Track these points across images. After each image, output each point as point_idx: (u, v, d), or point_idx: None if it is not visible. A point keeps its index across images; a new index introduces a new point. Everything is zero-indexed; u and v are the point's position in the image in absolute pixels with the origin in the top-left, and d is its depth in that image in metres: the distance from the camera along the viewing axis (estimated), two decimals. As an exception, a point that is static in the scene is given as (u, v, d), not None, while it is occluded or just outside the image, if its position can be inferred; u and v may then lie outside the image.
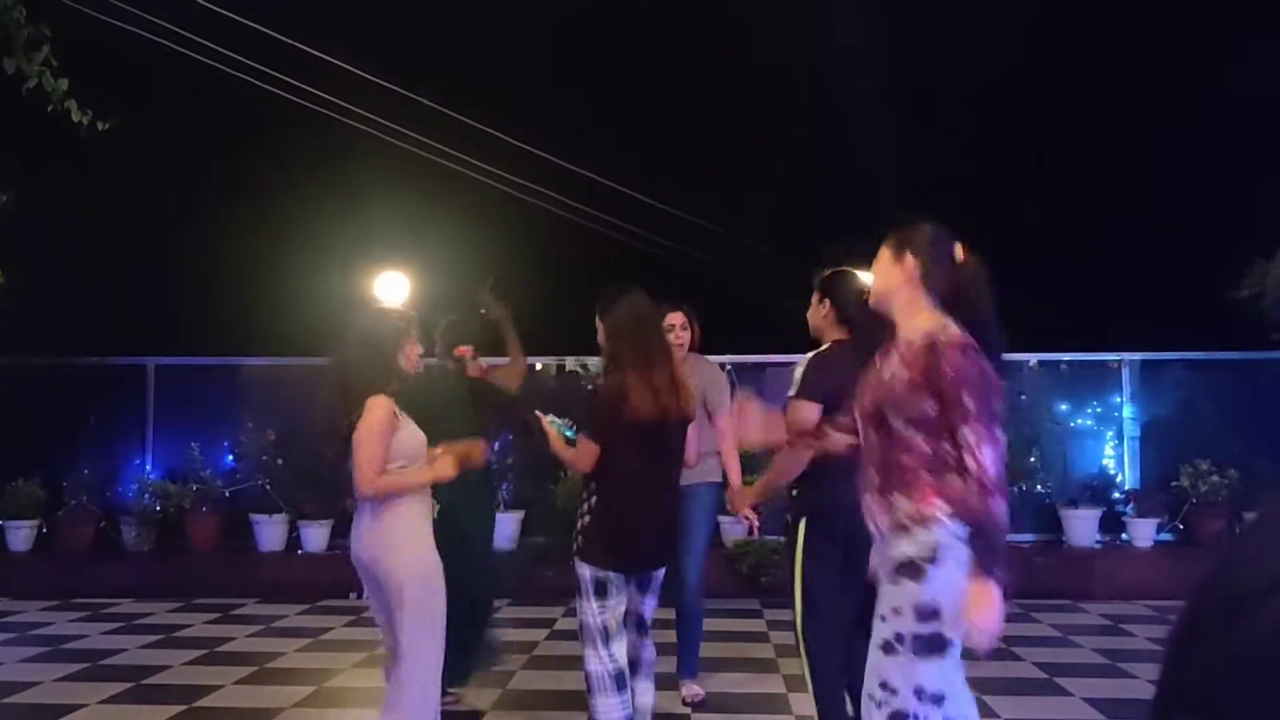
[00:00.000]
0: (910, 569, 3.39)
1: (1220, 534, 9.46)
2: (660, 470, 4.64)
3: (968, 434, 3.28)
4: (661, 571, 4.75)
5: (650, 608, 4.79)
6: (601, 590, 4.56)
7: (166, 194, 15.09)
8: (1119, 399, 10.20)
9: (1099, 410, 10.19)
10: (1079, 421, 10.13)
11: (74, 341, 10.91)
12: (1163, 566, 9.25)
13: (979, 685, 6.44)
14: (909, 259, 3.56)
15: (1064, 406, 10.06)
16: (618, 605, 4.61)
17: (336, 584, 9.15)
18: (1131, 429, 10.11)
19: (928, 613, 3.37)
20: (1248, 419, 9.43)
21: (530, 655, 7.22)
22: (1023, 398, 9.81)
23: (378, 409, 4.33)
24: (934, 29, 15.64)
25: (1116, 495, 9.89)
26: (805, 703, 4.73)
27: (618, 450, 4.53)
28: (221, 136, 15.17)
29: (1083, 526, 9.57)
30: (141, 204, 14.69)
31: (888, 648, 3.42)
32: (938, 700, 3.38)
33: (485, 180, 11.85)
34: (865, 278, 4.42)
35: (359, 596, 9.02)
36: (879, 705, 3.43)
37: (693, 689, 6.11)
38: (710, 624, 6.51)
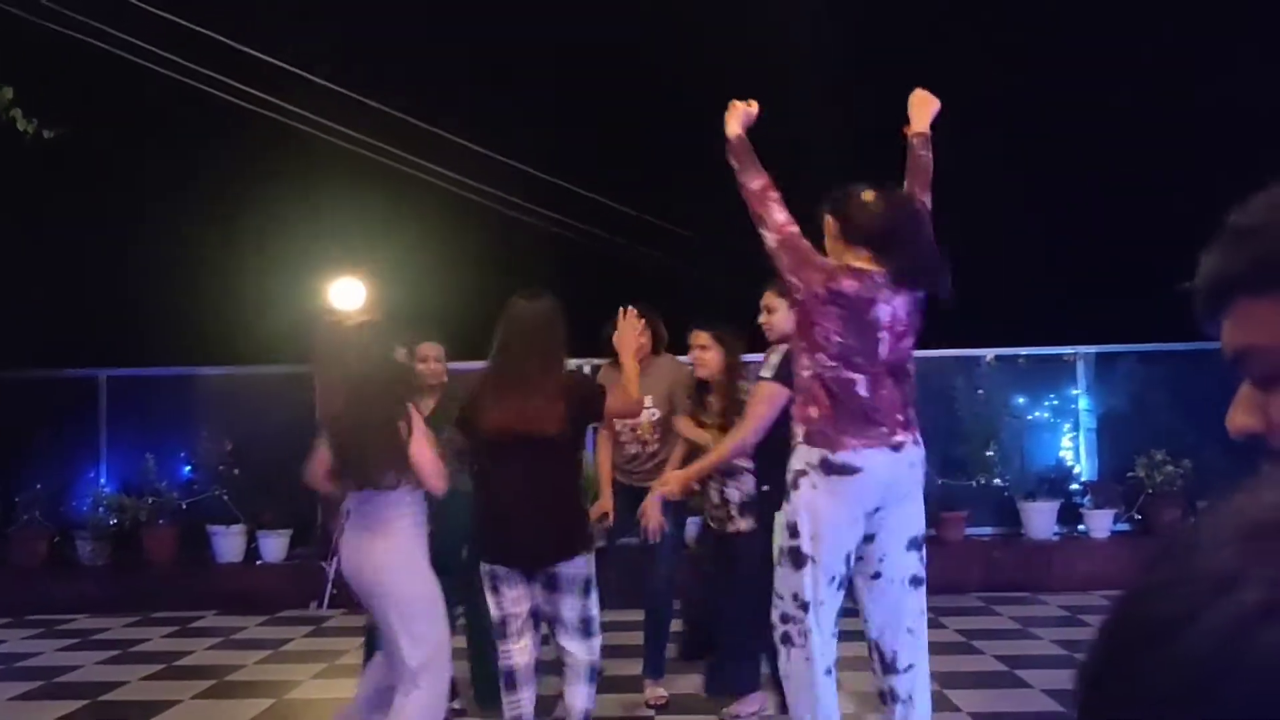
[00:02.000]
0: (788, 491, 3.92)
1: (1176, 524, 9.57)
2: (529, 474, 4.56)
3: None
4: (575, 571, 4.61)
5: (570, 608, 4.63)
6: (493, 584, 4.65)
7: (118, 203, 14.90)
8: (1075, 392, 10.29)
9: (1055, 403, 10.28)
10: (1036, 415, 10.21)
11: (24, 354, 10.74)
12: (1120, 557, 9.34)
13: (938, 679, 6.48)
14: (828, 219, 4.04)
15: (1021, 400, 10.13)
16: (514, 603, 4.64)
17: (297, 594, 9.05)
18: (1087, 421, 10.21)
19: (790, 529, 3.89)
20: (1201, 409, 9.51)
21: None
22: (980, 393, 9.88)
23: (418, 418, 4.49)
24: (885, 25, 15.73)
25: (1074, 487, 9.97)
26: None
27: (483, 452, 4.71)
28: (173, 144, 15.01)
29: (1040, 519, 9.64)
30: (92, 213, 14.49)
31: (778, 559, 4.00)
32: (804, 606, 3.88)
33: (441, 185, 11.79)
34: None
35: (320, 606, 8.94)
36: (774, 608, 4.02)
37: (656, 691, 6.10)
38: (678, 625, 6.49)
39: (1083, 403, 10.23)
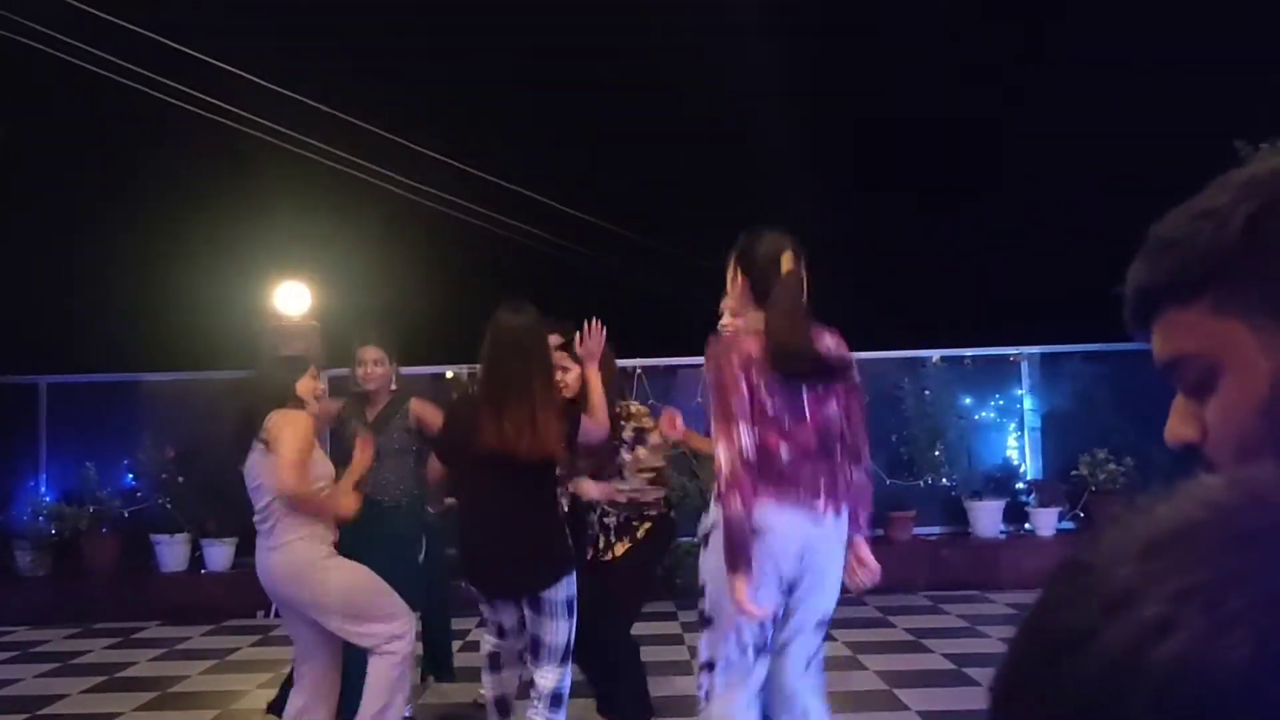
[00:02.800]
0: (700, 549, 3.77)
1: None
2: (522, 496, 4.49)
3: (713, 431, 3.58)
4: (563, 593, 4.56)
5: (552, 631, 4.57)
6: (494, 619, 4.73)
7: (58, 206, 14.65)
8: (1019, 392, 10.41)
9: (1000, 403, 10.39)
10: (981, 415, 10.32)
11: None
12: (1066, 554, 9.43)
13: (888, 678, 6.53)
14: (740, 272, 3.79)
15: (967, 401, 10.23)
16: (514, 634, 4.69)
17: (242, 603, 8.94)
18: (1032, 421, 10.33)
19: (701, 589, 3.74)
20: (1143, 408, 9.67)
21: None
22: (926, 393, 9.97)
23: (299, 423, 4.29)
24: (840, 33, 15.84)
25: (1019, 486, 10.09)
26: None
27: (466, 475, 4.62)
28: (115, 147, 14.78)
29: (987, 518, 9.74)
30: (32, 217, 14.24)
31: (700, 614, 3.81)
32: (709, 666, 3.70)
33: (387, 187, 11.71)
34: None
35: (266, 615, 8.83)
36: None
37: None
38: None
39: (1027, 402, 10.35)
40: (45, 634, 8.69)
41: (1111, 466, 9.58)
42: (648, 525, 5.28)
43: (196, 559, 9.64)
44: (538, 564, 4.55)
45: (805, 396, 3.69)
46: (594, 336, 4.89)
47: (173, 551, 9.53)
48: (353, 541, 4.80)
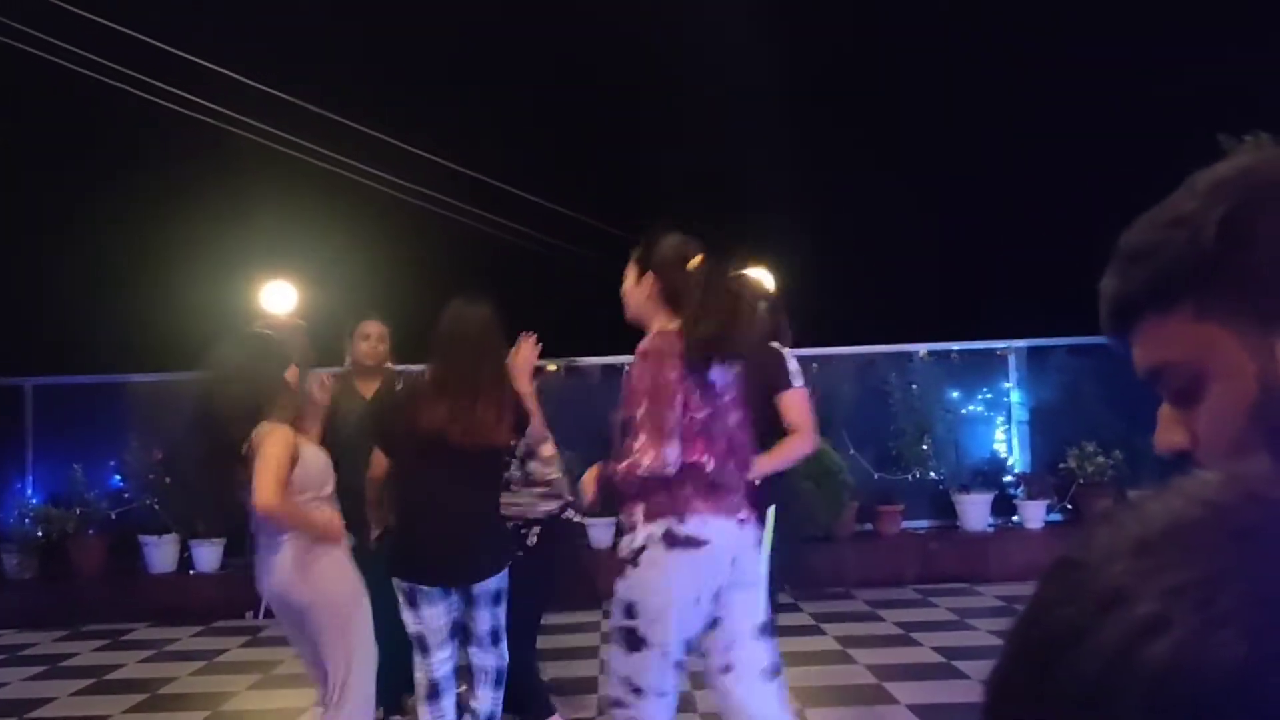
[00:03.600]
0: (624, 566, 3.58)
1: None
2: (462, 484, 4.46)
3: (639, 439, 3.48)
4: (494, 585, 4.56)
5: (483, 620, 4.59)
6: (411, 601, 4.57)
7: (42, 206, 14.58)
8: (1007, 385, 10.44)
9: (988, 397, 10.41)
10: (970, 409, 10.34)
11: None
12: (1054, 547, 9.24)
13: (878, 672, 6.54)
14: (648, 276, 3.72)
15: (955, 394, 10.25)
16: (435, 619, 4.57)
17: (231, 604, 8.90)
18: (1020, 414, 10.36)
19: (626, 608, 3.54)
20: (1130, 401, 9.69)
21: None
22: (914, 387, 9.99)
23: (279, 437, 4.17)
24: (822, 28, 15.85)
25: (1007, 479, 10.11)
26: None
27: (406, 461, 4.59)
28: (99, 146, 14.72)
29: (975, 511, 9.77)
30: (15, 217, 14.17)
31: (612, 635, 3.69)
32: (637, 691, 3.54)
33: (372, 185, 11.68)
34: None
35: (256, 616, 8.80)
36: (608, 686, 3.80)
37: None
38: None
39: (1015, 396, 10.38)
40: (33, 637, 8.65)
41: (1100, 460, 9.62)
42: (537, 529, 5.20)
43: (185, 560, 9.60)
44: (478, 552, 4.54)
45: (723, 400, 3.67)
46: (526, 352, 4.92)
47: (161, 553, 9.50)
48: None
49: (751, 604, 3.68)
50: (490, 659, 4.65)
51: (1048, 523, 9.81)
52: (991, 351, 10.56)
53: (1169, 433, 0.93)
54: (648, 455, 3.44)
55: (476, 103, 16.57)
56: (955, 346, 10.49)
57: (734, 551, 3.58)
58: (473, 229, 13.02)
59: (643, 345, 3.65)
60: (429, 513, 4.50)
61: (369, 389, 5.64)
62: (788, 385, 4.60)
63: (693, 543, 3.48)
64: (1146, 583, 0.53)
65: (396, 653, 5.12)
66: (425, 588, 4.53)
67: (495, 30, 16.05)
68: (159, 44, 9.79)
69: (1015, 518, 9.92)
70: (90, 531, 9.52)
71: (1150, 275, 0.89)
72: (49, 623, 8.97)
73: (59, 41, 9.19)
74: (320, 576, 4.23)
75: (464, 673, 4.80)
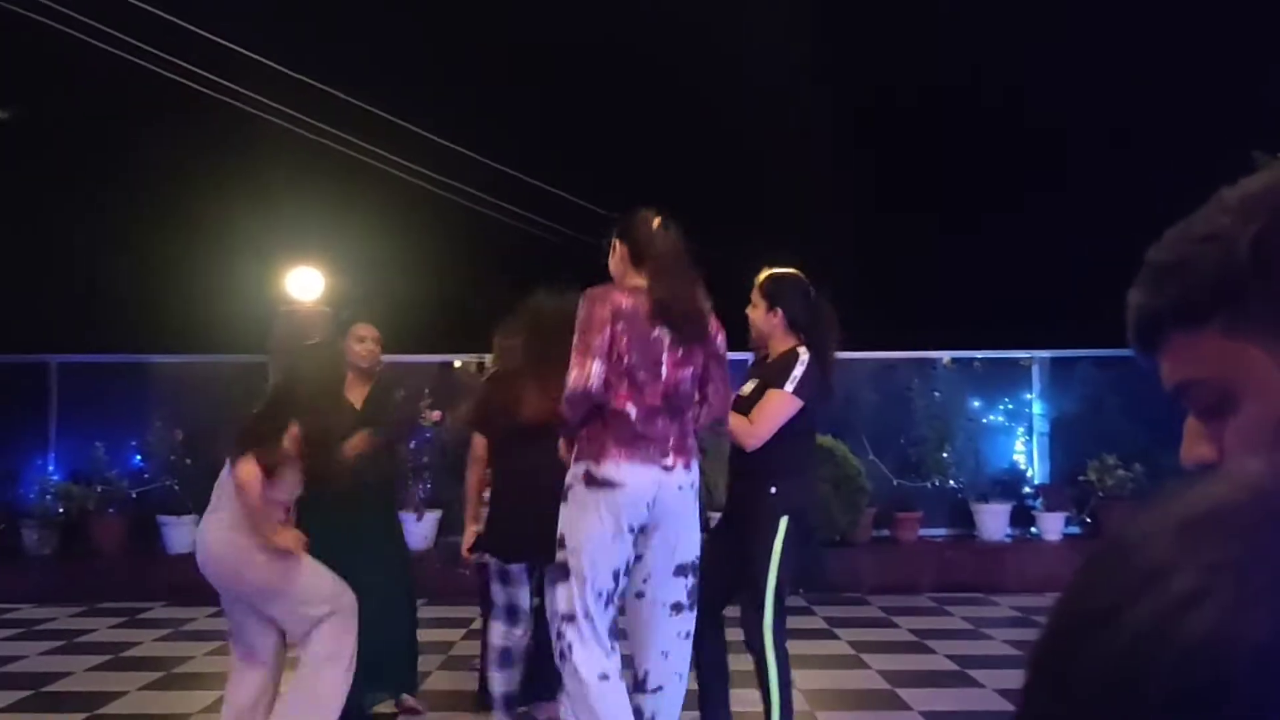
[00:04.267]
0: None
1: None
2: (549, 469, 4.52)
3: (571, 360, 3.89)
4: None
5: (525, 597, 5.03)
6: (504, 578, 4.96)
7: (71, 186, 14.68)
8: (1029, 396, 10.40)
9: (1010, 407, 10.37)
10: (990, 418, 10.30)
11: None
12: (1071, 559, 9.43)
13: (891, 678, 6.53)
14: (616, 243, 4.16)
15: (976, 403, 10.22)
16: (524, 597, 5.00)
17: (247, 586, 8.94)
18: (1041, 425, 10.31)
19: (559, 540, 3.98)
20: (1153, 414, 9.64)
21: (447, 655, 7.14)
22: (936, 395, 9.96)
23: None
24: (858, 31, 15.81)
25: (1026, 490, 10.08)
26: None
27: (506, 446, 4.88)
28: (128, 127, 14.81)
29: (993, 521, 9.73)
30: (45, 196, 14.27)
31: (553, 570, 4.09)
32: (569, 618, 3.93)
33: (399, 174, 11.71)
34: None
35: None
36: (551, 622, 4.12)
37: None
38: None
39: (1037, 406, 10.33)
40: (51, 612, 8.72)
41: (1120, 472, 9.56)
42: None
43: (203, 541, 9.65)
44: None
45: (665, 357, 3.97)
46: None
47: (179, 533, 9.55)
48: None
49: (675, 544, 4.00)
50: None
51: (1066, 535, 9.77)
52: (1014, 361, 10.52)
53: (1195, 446, 0.92)
54: (573, 374, 3.83)
55: (506, 94, 16.60)
56: (978, 354, 10.45)
57: (651, 494, 3.91)
58: (498, 221, 13.04)
59: (590, 289, 4.05)
60: (530, 494, 4.69)
61: (359, 389, 5.56)
62: (779, 385, 4.50)
63: (608, 484, 3.86)
64: (1187, 558, 0.54)
65: (393, 650, 5.33)
66: (516, 565, 4.86)
67: (528, 20, 16.07)
68: (191, 27, 9.84)
69: (1033, 529, 9.89)
70: (110, 510, 9.59)
71: (1180, 290, 0.89)
72: (67, 598, 9.04)
73: (92, 21, 9.26)
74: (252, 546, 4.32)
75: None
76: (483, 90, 16.47)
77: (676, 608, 4.03)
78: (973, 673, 6.64)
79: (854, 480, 9.12)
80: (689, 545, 4.06)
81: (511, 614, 4.96)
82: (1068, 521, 9.79)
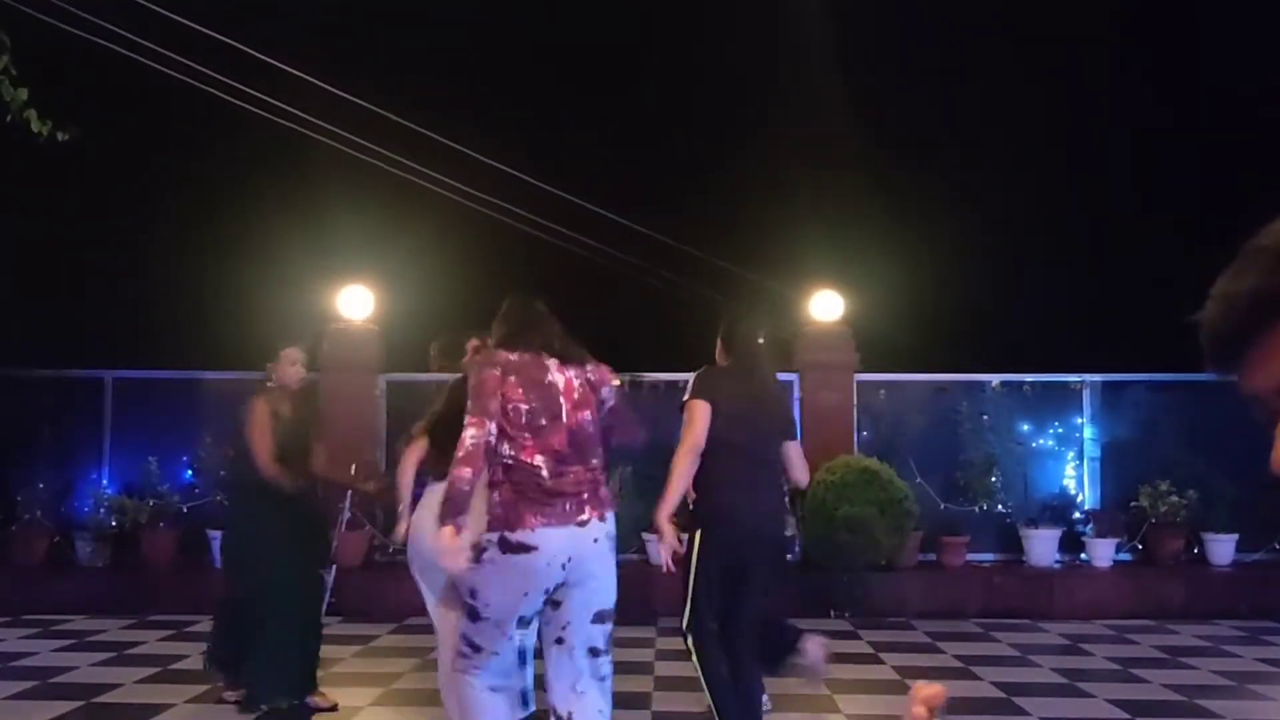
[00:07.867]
0: (474, 556, 4.10)
1: (1178, 554, 9.53)
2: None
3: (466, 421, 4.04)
4: None
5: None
6: None
7: (127, 204, 14.92)
8: (1080, 420, 10.28)
9: (1060, 431, 10.26)
10: (1040, 442, 10.20)
11: (31, 353, 10.75)
12: (1122, 586, 9.30)
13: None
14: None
15: (1025, 427, 10.12)
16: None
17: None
18: (1092, 450, 10.19)
19: (469, 590, 4.14)
20: (1207, 440, 9.50)
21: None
22: (985, 418, 9.87)
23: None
24: (894, 46, 15.76)
25: (1076, 515, 9.95)
26: (673, 700, 4.73)
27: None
28: (182, 147, 15.04)
29: (1042, 546, 9.61)
30: (101, 214, 14.52)
31: (459, 601, 4.29)
32: (474, 647, 4.16)
33: (453, 197, 11.80)
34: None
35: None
36: (459, 640, 4.29)
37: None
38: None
39: (1088, 431, 10.21)
40: (102, 624, 8.84)
41: (1174, 499, 9.42)
42: None
43: (251, 556, 9.74)
44: None
45: (562, 401, 4.16)
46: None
47: (228, 548, 9.65)
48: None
49: (591, 594, 4.15)
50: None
51: (1116, 561, 9.63)
52: (1065, 385, 10.41)
53: None
54: (470, 430, 3.97)
55: (558, 116, 16.69)
56: (1029, 378, 10.35)
57: (567, 554, 4.05)
58: (546, 243, 13.10)
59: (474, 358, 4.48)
60: None
61: (291, 405, 6.50)
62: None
63: (523, 548, 4.00)
64: None
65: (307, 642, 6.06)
66: None
67: (580, 42, 16.16)
68: (242, 46, 9.98)
69: (1083, 555, 9.76)
70: (161, 524, 9.72)
71: (1257, 305, 0.88)
72: (118, 610, 9.16)
73: (147, 42, 9.42)
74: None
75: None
76: (538, 112, 16.58)
77: (594, 652, 4.19)
78: (1019, 700, 6.55)
79: (900, 504, 9.05)
80: (606, 594, 4.21)
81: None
82: (1118, 548, 9.66)
